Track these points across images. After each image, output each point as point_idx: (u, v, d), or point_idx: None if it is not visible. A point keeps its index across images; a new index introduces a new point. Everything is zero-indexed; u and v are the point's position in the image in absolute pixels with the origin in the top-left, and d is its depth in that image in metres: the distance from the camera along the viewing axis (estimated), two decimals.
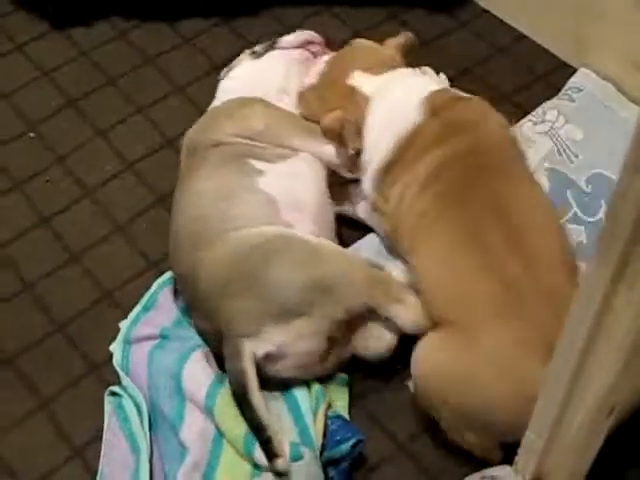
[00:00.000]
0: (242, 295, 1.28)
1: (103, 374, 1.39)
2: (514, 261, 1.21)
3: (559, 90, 1.72)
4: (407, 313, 1.31)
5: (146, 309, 1.44)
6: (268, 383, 1.30)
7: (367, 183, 1.41)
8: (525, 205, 1.28)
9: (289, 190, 1.39)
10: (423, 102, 1.36)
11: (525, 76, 1.78)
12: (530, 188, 1.34)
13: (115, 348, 1.39)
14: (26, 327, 1.46)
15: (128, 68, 1.80)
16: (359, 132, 1.39)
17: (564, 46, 1.78)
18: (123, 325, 1.42)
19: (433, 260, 1.27)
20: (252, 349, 1.27)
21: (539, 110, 1.66)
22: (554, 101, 1.68)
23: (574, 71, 1.74)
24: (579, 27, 1.73)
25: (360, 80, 1.42)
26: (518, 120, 1.63)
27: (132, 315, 1.43)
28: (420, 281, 1.29)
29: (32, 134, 1.70)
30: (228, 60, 1.74)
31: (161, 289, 1.45)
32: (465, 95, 1.43)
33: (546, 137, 1.61)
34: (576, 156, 1.58)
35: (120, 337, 1.41)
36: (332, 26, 1.85)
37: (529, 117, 1.65)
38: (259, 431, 1.22)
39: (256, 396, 1.25)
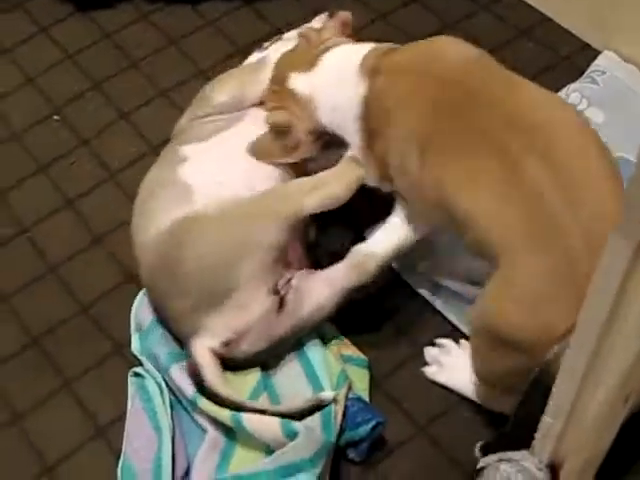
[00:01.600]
0: (170, 294, 1.30)
1: (127, 355, 1.40)
2: (555, 194, 1.12)
3: (583, 72, 1.71)
4: (333, 188, 1.30)
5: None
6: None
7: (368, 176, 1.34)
8: (542, 112, 1.20)
9: (210, 175, 1.35)
10: (360, 69, 1.30)
11: (549, 58, 1.76)
12: (534, 91, 1.24)
13: (132, 335, 1.41)
14: (51, 308, 1.48)
15: (151, 50, 1.81)
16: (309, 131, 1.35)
17: (587, 28, 1.77)
18: (132, 311, 1.44)
19: (480, 206, 1.17)
20: (205, 345, 1.28)
21: (562, 93, 1.65)
22: (577, 84, 1.67)
23: (598, 54, 1.74)
24: (602, 9, 1.72)
25: (296, 82, 1.37)
26: None
27: (137, 300, 1.44)
28: (476, 227, 1.18)
29: (57, 117, 1.71)
30: (251, 43, 1.76)
31: None
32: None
33: None
34: None
35: (132, 324, 1.43)
36: (354, 9, 1.82)
37: None
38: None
39: (221, 388, 1.26)
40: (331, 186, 1.30)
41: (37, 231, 1.57)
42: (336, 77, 1.33)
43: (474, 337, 1.23)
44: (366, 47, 1.34)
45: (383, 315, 1.43)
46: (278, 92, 1.39)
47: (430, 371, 1.36)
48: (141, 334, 1.40)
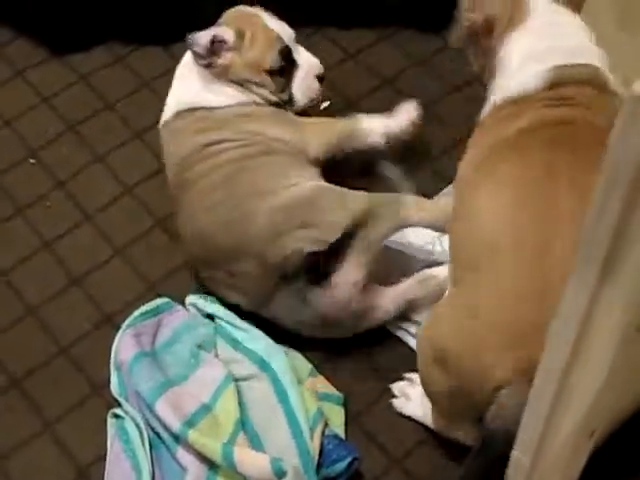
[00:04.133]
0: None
1: (106, 395, 1.42)
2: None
3: None
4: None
5: (128, 327, 1.47)
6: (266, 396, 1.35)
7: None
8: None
9: None
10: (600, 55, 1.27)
11: None
12: None
13: (112, 374, 1.43)
14: (30, 350, 1.50)
15: (125, 92, 1.84)
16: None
17: None
18: (112, 350, 1.46)
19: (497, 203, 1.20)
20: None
21: None
22: None
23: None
24: None
25: None
26: None
27: (116, 340, 1.46)
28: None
29: (32, 160, 1.74)
30: None
31: (149, 315, 1.49)
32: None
33: None
34: None
35: (112, 364, 1.45)
36: (324, 48, 1.88)
37: None
38: None
39: None
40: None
41: (15, 274, 1.59)
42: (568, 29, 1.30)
43: (418, 351, 1.27)
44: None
45: (357, 351, 1.46)
46: None
47: (398, 403, 1.40)
48: (120, 373, 1.42)
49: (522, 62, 1.27)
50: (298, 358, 1.44)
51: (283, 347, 1.43)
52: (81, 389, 1.45)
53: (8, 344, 1.51)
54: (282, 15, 1.88)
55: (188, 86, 1.56)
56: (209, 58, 1.51)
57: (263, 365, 1.39)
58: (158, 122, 1.76)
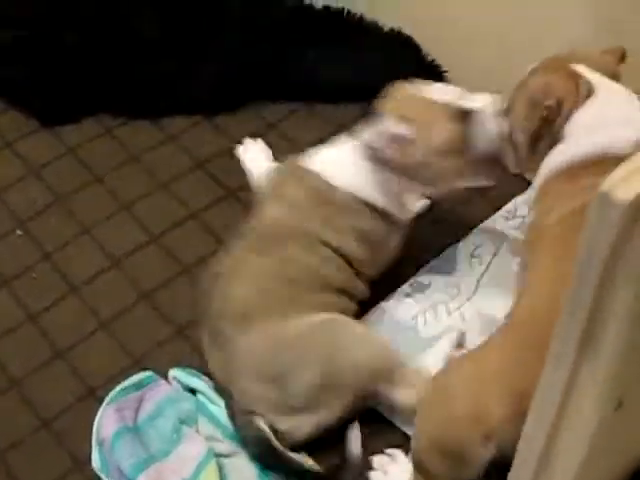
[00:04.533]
0: (264, 381, 1.36)
1: (87, 471, 1.41)
2: None
3: (529, 183, 1.78)
4: (401, 396, 1.39)
5: (110, 402, 1.46)
6: None
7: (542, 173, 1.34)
8: None
9: None
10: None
11: None
12: None
13: (93, 449, 1.43)
14: (13, 424, 1.49)
15: (114, 165, 1.86)
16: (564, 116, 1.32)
17: None
18: (94, 425, 1.45)
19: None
20: (265, 423, 1.35)
21: (510, 205, 1.72)
22: (526, 195, 1.74)
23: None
24: None
25: (585, 70, 1.34)
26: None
27: (98, 415, 1.46)
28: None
29: (20, 232, 1.75)
30: (211, 156, 1.83)
31: (132, 389, 1.48)
32: None
33: (518, 232, 1.65)
34: None
35: (93, 440, 1.44)
36: (310, 122, 1.91)
37: (501, 212, 1.72)
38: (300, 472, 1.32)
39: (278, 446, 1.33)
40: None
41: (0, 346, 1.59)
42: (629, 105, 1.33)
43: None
44: None
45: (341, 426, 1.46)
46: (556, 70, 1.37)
47: (374, 477, 1.39)
48: (102, 448, 1.41)
49: (597, 127, 1.29)
50: None
51: None
52: (63, 464, 1.44)
53: None
54: (270, 93, 1.95)
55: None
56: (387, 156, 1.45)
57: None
58: (146, 195, 1.79)
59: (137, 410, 1.45)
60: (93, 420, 1.45)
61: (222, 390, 1.42)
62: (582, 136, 1.30)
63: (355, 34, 2.01)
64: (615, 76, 1.37)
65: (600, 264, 0.71)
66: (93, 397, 1.50)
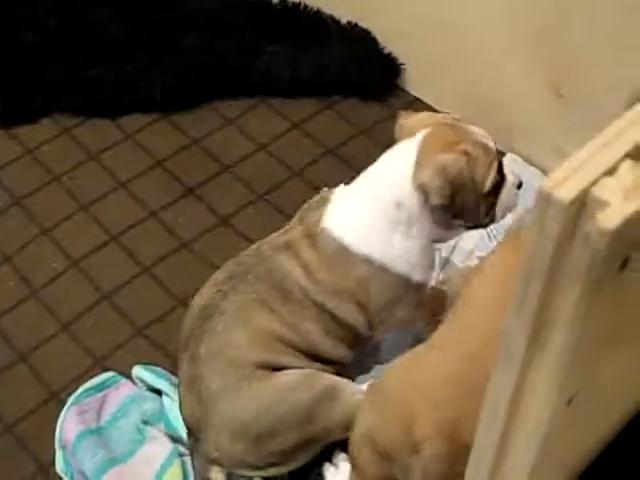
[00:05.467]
0: (241, 441, 1.31)
1: (52, 476, 1.41)
2: None
3: None
4: None
5: (72, 405, 1.46)
6: None
7: None
8: None
9: None
10: None
11: None
12: None
13: (57, 452, 1.42)
14: None
15: (72, 165, 1.85)
16: None
17: (492, 133, 1.86)
18: (57, 427, 1.45)
19: None
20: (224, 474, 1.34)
21: None
22: None
23: (502, 155, 1.83)
24: (506, 114, 1.82)
25: None
26: None
27: (60, 417, 1.45)
28: None
29: None
30: (169, 154, 1.82)
31: (94, 391, 1.48)
32: None
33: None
34: None
35: (56, 443, 1.43)
36: (269, 118, 1.92)
37: None
38: None
39: None
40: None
41: None
42: None
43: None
44: None
45: None
46: None
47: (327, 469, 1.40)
48: (65, 451, 1.41)
49: None
50: None
51: None
52: (27, 468, 1.44)
53: None
54: (228, 89, 1.94)
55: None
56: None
57: None
58: (105, 195, 1.78)
59: (99, 412, 1.45)
60: (56, 423, 1.45)
61: (189, 431, 1.36)
62: None
63: (312, 28, 2.00)
64: None
65: (545, 263, 0.72)
66: (56, 400, 1.50)
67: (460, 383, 1.14)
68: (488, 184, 1.33)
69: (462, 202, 1.31)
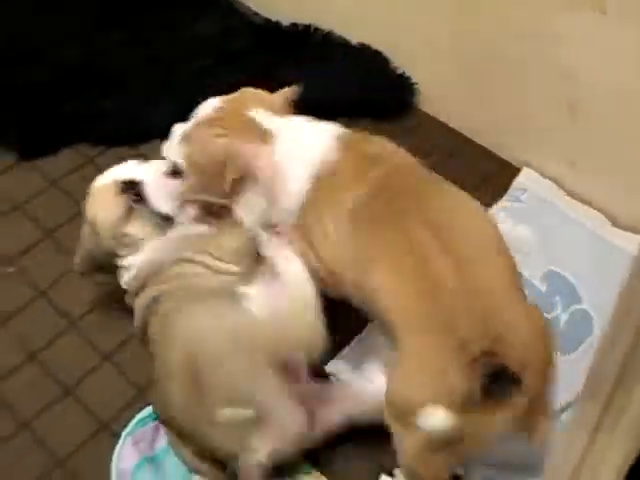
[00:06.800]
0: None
1: None
2: (452, 277, 1.25)
3: (506, 189, 1.84)
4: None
5: (128, 436, 1.50)
6: None
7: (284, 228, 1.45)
8: (460, 218, 1.35)
9: None
10: (336, 140, 1.44)
11: (473, 178, 1.87)
12: (458, 197, 1.39)
13: None
14: (26, 465, 1.51)
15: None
16: (247, 168, 1.43)
17: (507, 147, 1.91)
18: (113, 460, 1.48)
19: (390, 285, 1.31)
20: (254, 462, 1.37)
21: (490, 212, 1.78)
22: (502, 203, 1.81)
23: (517, 169, 1.88)
24: (520, 128, 1.87)
25: (262, 116, 1.45)
26: None
27: (117, 448, 1.49)
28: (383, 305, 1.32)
29: (11, 269, 1.77)
30: None
31: (147, 420, 1.52)
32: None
33: None
34: (528, 255, 1.70)
35: (113, 473, 1.47)
36: None
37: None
38: None
39: None
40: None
41: (4, 388, 1.60)
42: (311, 134, 1.46)
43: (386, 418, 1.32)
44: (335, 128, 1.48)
45: (357, 447, 1.50)
46: (232, 117, 1.46)
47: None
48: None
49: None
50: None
51: None
52: None
53: (2, 461, 1.51)
54: None
55: None
56: None
57: None
58: None
59: (153, 441, 1.49)
60: (106, 454, 1.48)
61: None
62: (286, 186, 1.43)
63: (324, 50, 2.04)
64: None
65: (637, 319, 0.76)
66: (107, 430, 1.53)
67: None
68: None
69: None
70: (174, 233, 1.53)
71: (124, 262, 1.53)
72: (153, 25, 2.12)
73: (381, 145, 1.46)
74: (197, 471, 1.43)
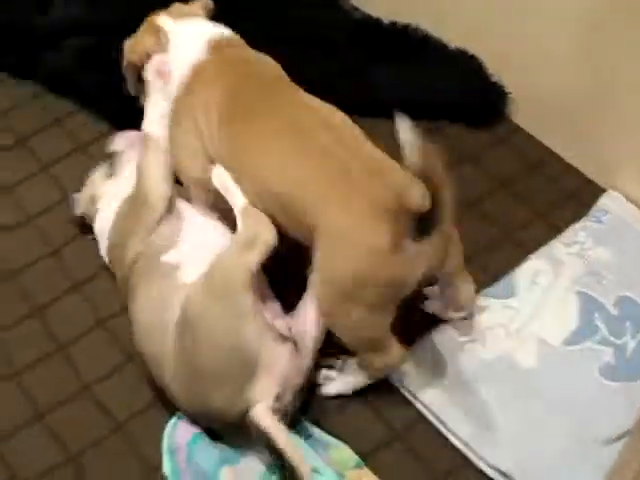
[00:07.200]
0: (206, 390, 1.41)
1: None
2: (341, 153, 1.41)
3: (587, 207, 1.82)
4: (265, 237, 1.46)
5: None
6: None
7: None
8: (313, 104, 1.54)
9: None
10: (209, 41, 1.61)
11: (555, 193, 1.87)
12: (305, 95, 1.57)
13: (164, 458, 1.48)
14: (86, 426, 1.55)
15: None
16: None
17: (591, 165, 1.89)
18: (165, 433, 1.50)
19: (270, 166, 1.46)
20: (264, 409, 1.40)
21: (569, 232, 1.76)
22: (583, 222, 1.78)
23: (601, 190, 1.84)
24: (605, 147, 1.84)
25: (164, 21, 1.67)
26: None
27: (170, 424, 1.51)
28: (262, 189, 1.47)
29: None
30: None
31: None
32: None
33: (576, 258, 1.71)
34: (605, 278, 1.68)
35: (165, 446, 1.49)
36: (373, 141, 1.93)
37: (559, 238, 1.76)
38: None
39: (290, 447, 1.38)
40: (262, 237, 1.44)
41: (73, 348, 1.65)
42: (190, 35, 1.64)
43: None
44: (226, 31, 1.66)
45: (402, 443, 1.52)
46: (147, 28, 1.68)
47: (324, 389, 1.56)
48: (176, 454, 1.47)
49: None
50: (344, 449, 1.49)
51: (331, 438, 1.49)
52: (133, 471, 1.50)
53: (64, 421, 1.56)
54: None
55: None
56: None
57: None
58: None
59: None
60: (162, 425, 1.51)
61: None
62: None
63: (420, 51, 2.03)
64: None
65: None
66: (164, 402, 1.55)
67: None
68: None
69: None
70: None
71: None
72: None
73: (249, 50, 1.64)
74: None
